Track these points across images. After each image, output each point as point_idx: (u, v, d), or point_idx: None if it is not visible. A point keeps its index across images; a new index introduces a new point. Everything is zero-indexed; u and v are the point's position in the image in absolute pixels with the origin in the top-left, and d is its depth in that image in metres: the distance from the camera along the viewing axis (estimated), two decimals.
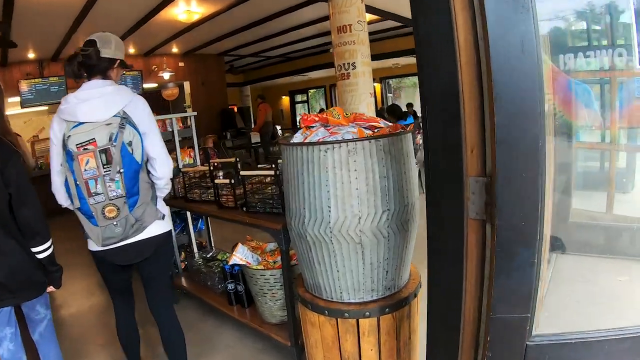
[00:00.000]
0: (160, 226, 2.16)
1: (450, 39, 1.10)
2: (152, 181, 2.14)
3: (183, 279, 3.75)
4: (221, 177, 3.16)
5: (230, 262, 2.69)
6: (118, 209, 1.97)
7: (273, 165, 3.03)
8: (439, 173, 1.23)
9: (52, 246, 2.12)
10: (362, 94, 5.62)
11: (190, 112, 3.87)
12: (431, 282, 1.32)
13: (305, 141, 1.84)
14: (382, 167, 1.76)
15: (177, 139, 3.73)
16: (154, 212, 2.12)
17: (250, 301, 2.99)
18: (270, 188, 2.56)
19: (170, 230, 2.26)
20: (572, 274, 1.82)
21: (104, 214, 1.96)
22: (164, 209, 2.23)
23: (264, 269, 2.61)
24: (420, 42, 1.15)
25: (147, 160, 2.12)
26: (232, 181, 2.67)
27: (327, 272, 1.91)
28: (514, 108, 1.04)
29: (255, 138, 9.16)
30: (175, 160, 3.80)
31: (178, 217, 4.16)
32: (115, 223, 1.99)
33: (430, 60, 1.15)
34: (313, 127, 1.93)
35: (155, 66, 10.80)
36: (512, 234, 1.09)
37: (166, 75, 10.79)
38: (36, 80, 8.99)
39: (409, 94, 22.78)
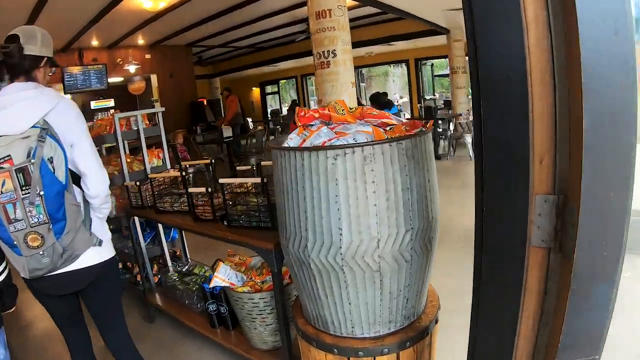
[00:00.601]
0: (97, 254, 1.84)
1: (517, 16, 0.85)
2: (82, 202, 1.81)
3: (157, 296, 3.33)
4: (191, 174, 2.76)
5: (212, 285, 2.30)
6: (42, 237, 1.62)
7: (253, 167, 2.65)
8: (496, 188, 0.99)
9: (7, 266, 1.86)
10: (344, 83, 5.24)
11: (157, 108, 3.42)
12: (477, 320, 1.13)
13: (304, 144, 1.46)
14: (404, 176, 1.40)
15: (143, 138, 3.28)
16: (87, 238, 1.78)
17: (236, 322, 2.60)
18: (256, 198, 2.17)
19: (113, 258, 1.95)
20: None
21: (26, 242, 1.62)
22: (104, 233, 1.90)
23: (252, 292, 2.23)
24: (476, 21, 0.89)
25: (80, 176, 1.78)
26: (209, 190, 2.26)
27: (336, 304, 1.55)
28: (607, 106, 0.80)
29: (227, 132, 8.67)
30: (142, 163, 3.35)
31: (148, 226, 3.71)
32: (41, 252, 1.64)
33: (490, 43, 0.90)
34: (312, 125, 1.56)
35: (120, 59, 10.17)
36: (592, 267, 0.88)
37: (132, 69, 10.18)
38: None
39: (380, 83, 22.62)
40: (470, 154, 7.81)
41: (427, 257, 1.60)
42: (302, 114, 1.53)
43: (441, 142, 8.85)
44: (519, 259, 0.99)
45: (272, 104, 18.80)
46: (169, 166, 3.50)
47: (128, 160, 3.47)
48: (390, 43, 12.28)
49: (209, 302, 2.65)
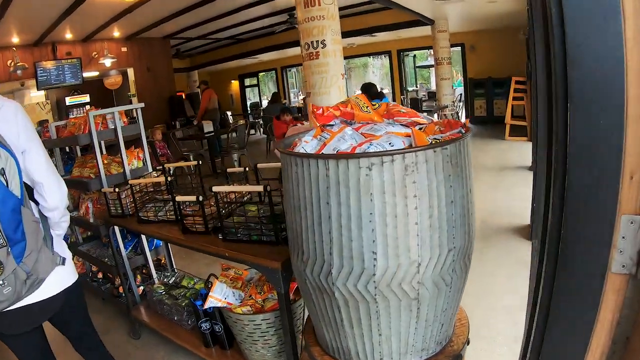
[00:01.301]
0: (60, 280, 1.65)
1: (614, 8, 0.73)
2: (41, 217, 1.61)
3: (142, 310, 3.03)
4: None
5: (207, 306, 2.03)
6: (1, 263, 1.38)
7: (246, 170, 2.38)
8: (574, 205, 0.85)
9: None
10: (334, 75, 4.96)
11: (136, 104, 3.11)
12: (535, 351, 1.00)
13: (325, 149, 1.21)
14: (449, 188, 1.17)
15: (121, 138, 2.96)
16: (51, 257, 1.58)
17: (232, 340, 2.34)
18: (256, 207, 1.90)
19: (77, 282, 1.76)
20: None
21: None
22: (64, 250, 1.72)
23: (253, 312, 1.98)
24: (565, 13, 0.76)
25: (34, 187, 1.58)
26: (200, 198, 1.98)
27: (363, 336, 1.31)
28: None
29: (208, 127, 8.29)
30: (122, 165, 3.04)
31: (130, 232, 3.40)
32: (1, 282, 1.40)
33: (580, 37, 0.76)
34: (332, 125, 1.30)
35: (95, 52, 9.62)
36: None
37: (108, 62, 9.65)
38: None
39: (359, 75, 22.38)
40: None
41: (466, 276, 1.38)
42: (320, 112, 1.27)
43: None
44: (595, 289, 0.87)
45: (250, 96, 18.37)
46: (150, 168, 3.20)
47: (105, 162, 3.15)
48: (373, 34, 12.03)
49: (202, 320, 2.38)
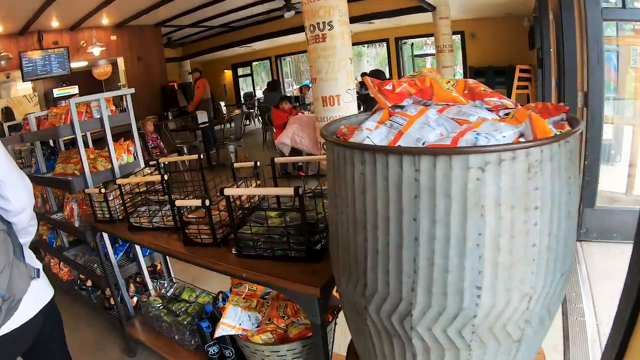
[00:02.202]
0: (40, 291, 1.46)
1: None
2: (7, 225, 1.37)
3: (137, 326, 2.66)
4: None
5: (218, 334, 1.66)
6: None
7: (257, 164, 2.00)
8: None
9: None
10: (342, 60, 4.59)
11: (125, 90, 2.70)
12: None
13: (401, 140, 0.85)
14: (567, 194, 0.83)
15: (108, 129, 2.57)
16: (25, 272, 1.35)
17: None
18: (283, 216, 1.53)
19: (52, 299, 1.54)
20: None
21: None
22: (35, 260, 1.51)
23: (275, 341, 1.61)
24: None
25: None
26: (207, 202, 1.60)
27: None
28: None
29: (203, 117, 7.83)
30: (110, 160, 2.65)
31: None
32: None
33: None
34: (403, 107, 0.94)
35: (83, 41, 9.10)
36: None
37: (97, 51, 9.14)
38: None
39: (354, 64, 21.92)
40: None
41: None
42: (390, 87, 0.90)
43: None
44: None
45: (244, 86, 17.86)
46: (142, 163, 2.80)
47: (91, 156, 2.76)
48: (371, 21, 11.61)
49: (209, 344, 2.02)
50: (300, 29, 11.92)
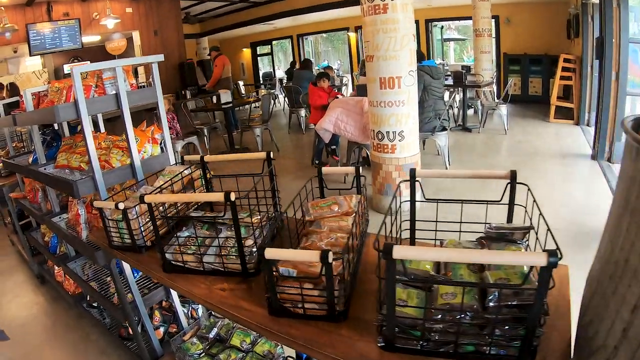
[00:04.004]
0: None
1: None
2: None
3: None
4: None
5: None
6: None
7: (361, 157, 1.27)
8: None
9: None
10: (405, 35, 3.80)
11: (151, 57, 1.95)
12: None
13: None
14: None
15: (126, 109, 1.85)
16: None
17: None
18: (466, 268, 0.78)
19: None
20: None
21: None
22: None
23: None
24: None
25: None
26: (332, 256, 0.85)
27: None
28: None
29: (226, 97, 7.06)
30: (128, 153, 1.92)
31: None
32: None
33: None
34: None
35: (96, 13, 8.39)
36: None
37: (110, 24, 8.42)
38: None
39: None
40: (506, 127, 6.79)
41: None
42: None
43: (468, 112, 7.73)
44: None
45: (260, 66, 17.01)
46: (171, 156, 2.08)
47: (102, 144, 2.06)
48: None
49: None
50: (326, 6, 11.02)
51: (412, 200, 1.13)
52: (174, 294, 2.19)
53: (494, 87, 8.42)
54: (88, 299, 2.86)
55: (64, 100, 1.88)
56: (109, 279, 2.57)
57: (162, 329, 2.29)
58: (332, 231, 1.22)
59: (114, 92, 1.89)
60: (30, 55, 7.96)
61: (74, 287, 2.94)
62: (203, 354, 1.84)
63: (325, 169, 1.32)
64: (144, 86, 2.10)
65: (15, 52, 8.59)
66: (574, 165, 5.18)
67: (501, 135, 6.74)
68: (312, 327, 0.94)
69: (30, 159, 2.61)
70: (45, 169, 2.28)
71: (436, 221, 1.07)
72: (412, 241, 1.17)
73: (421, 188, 1.10)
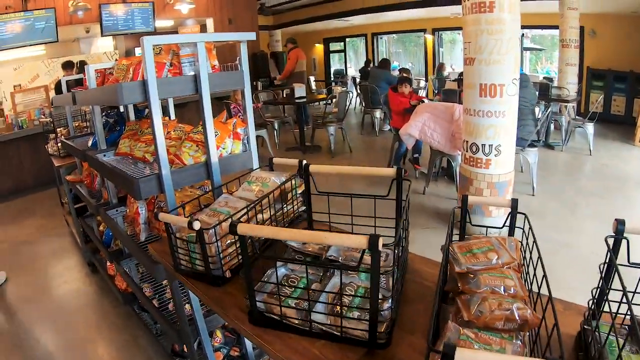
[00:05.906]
0: None
1: None
2: None
3: None
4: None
5: None
6: None
7: None
8: None
9: None
10: (511, 38, 3.32)
11: (240, 34, 1.58)
12: None
13: None
14: None
15: (206, 95, 1.49)
16: None
17: None
18: None
19: None
20: None
21: None
22: None
23: None
24: None
25: None
26: None
27: None
28: None
29: (301, 91, 6.74)
30: (204, 149, 1.57)
31: None
32: None
33: None
34: None
35: None
36: None
37: (185, 9, 8.25)
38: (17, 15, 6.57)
39: (447, 50, 19.86)
40: (591, 147, 6.19)
41: None
42: None
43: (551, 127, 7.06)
44: None
45: (331, 63, 16.70)
46: (255, 157, 1.70)
47: (172, 134, 1.73)
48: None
49: None
50: (403, 5, 10.49)
51: None
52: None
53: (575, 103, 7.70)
54: (140, 302, 2.58)
55: (130, 79, 1.55)
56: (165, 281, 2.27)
57: (222, 352, 1.95)
58: (494, 294, 0.80)
59: (192, 72, 1.54)
60: (102, 35, 7.90)
61: (125, 285, 2.67)
62: None
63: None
64: (232, 67, 1.74)
65: (87, 31, 8.63)
66: None
67: (585, 156, 6.15)
68: None
69: (90, 142, 2.33)
70: (105, 155, 1.98)
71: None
72: None
73: None
